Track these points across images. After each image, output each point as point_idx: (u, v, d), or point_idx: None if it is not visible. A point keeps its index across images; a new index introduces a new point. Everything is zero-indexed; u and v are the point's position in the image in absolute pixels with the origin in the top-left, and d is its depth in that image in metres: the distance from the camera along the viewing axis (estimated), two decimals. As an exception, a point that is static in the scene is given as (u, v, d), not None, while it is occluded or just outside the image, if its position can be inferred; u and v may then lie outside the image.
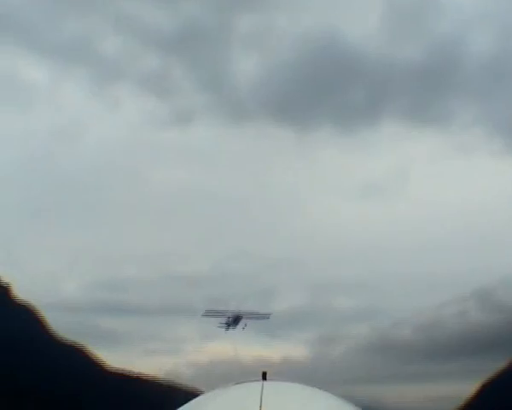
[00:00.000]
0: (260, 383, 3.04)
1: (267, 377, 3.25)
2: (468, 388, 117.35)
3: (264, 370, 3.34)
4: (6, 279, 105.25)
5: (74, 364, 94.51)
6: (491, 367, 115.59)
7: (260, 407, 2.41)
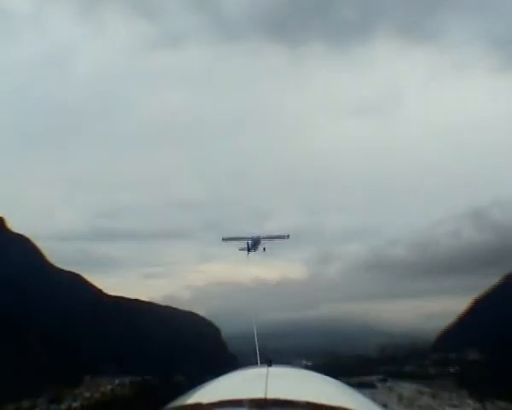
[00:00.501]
0: (266, 368, 3.15)
1: (272, 364, 3.32)
2: (461, 304, 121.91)
3: (270, 359, 3.42)
4: (0, 211, 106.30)
5: (72, 291, 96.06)
6: (484, 284, 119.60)
7: (265, 392, 2.49)
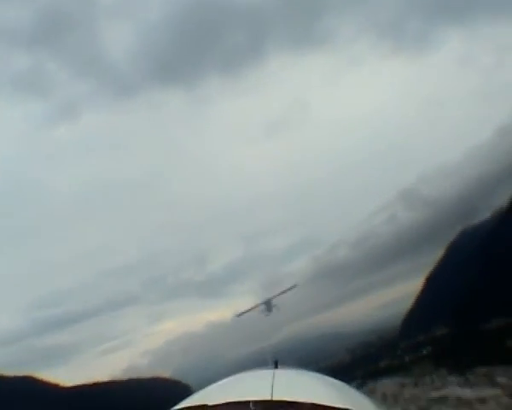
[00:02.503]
0: (272, 370, 3.20)
1: (278, 366, 3.45)
2: (415, 285, 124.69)
3: (276, 359, 3.59)
4: None
5: (28, 393, 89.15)
6: (431, 260, 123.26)
7: (272, 394, 2.47)
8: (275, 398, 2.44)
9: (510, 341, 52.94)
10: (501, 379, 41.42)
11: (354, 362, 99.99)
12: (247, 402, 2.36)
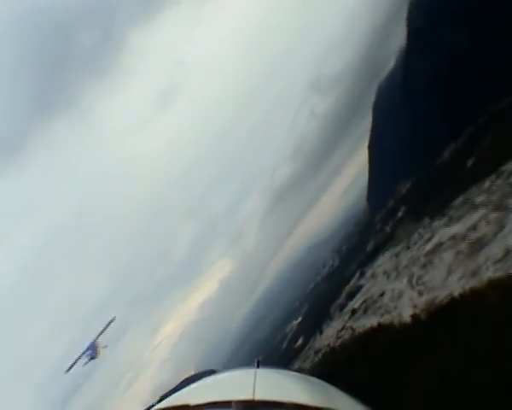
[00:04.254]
0: (254, 370, 3.14)
1: (260, 365, 3.33)
2: (362, 161, 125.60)
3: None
4: None
5: None
6: (363, 130, 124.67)
7: (254, 393, 2.48)
8: (256, 398, 2.40)
9: (468, 161, 53.41)
10: (480, 199, 41.36)
11: (345, 258, 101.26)
12: (229, 402, 2.31)
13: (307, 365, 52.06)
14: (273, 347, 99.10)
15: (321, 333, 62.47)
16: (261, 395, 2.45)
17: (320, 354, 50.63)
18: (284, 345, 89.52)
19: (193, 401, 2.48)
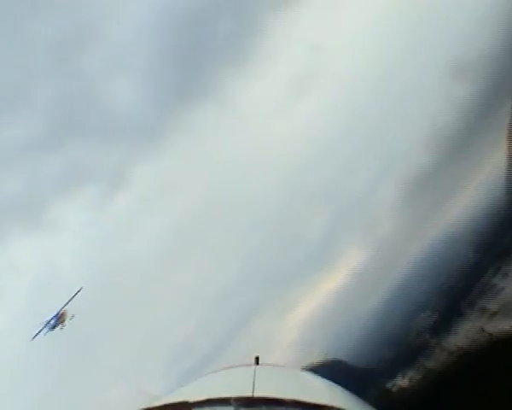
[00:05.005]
0: (253, 367, 3.32)
1: (259, 362, 3.48)
2: (500, 158, 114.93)
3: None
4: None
5: None
6: (501, 122, 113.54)
7: (253, 390, 2.51)
8: (256, 395, 2.41)
9: None
10: None
11: (480, 252, 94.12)
12: (228, 399, 2.31)
13: (433, 363, 49.99)
14: (400, 340, 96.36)
15: (450, 332, 59.47)
16: (261, 391, 2.47)
17: (450, 354, 48.34)
18: (410, 339, 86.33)
19: (192, 399, 2.49)
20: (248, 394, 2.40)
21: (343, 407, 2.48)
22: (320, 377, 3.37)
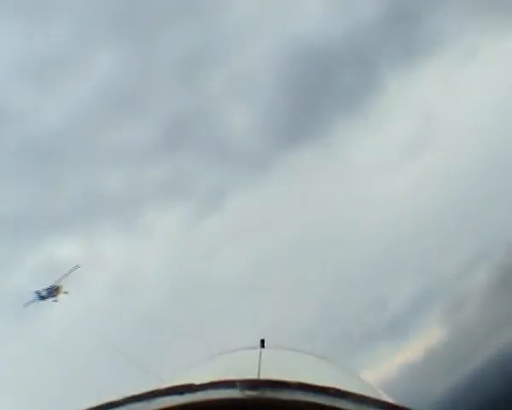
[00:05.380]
0: (258, 349, 3.23)
1: (265, 345, 3.43)
2: None
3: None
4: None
5: None
6: None
7: (258, 374, 2.46)
8: (262, 377, 2.43)
9: None
10: None
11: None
12: (234, 382, 2.25)
13: None
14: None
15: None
16: (266, 374, 2.48)
17: None
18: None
19: (197, 381, 2.44)
20: (254, 376, 2.43)
21: (350, 389, 2.42)
22: (329, 360, 3.34)
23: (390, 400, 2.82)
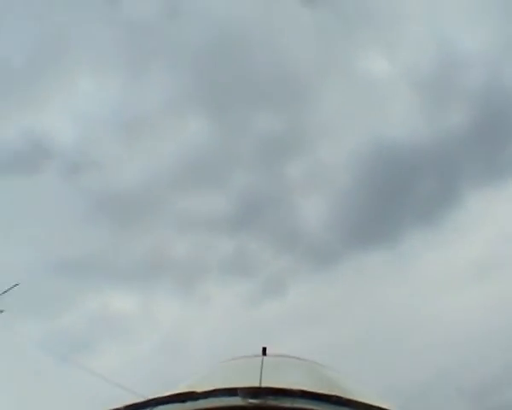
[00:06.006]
0: (260, 357, 3.20)
1: (267, 353, 3.41)
2: None
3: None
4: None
5: None
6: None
7: (260, 381, 2.46)
8: (263, 385, 2.43)
9: None
10: None
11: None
12: (235, 389, 2.35)
13: None
14: None
15: None
16: (268, 381, 2.49)
17: None
18: None
19: (199, 388, 2.52)
20: (256, 384, 2.43)
21: (353, 397, 2.49)
22: (331, 368, 3.38)
23: (391, 407, 2.87)
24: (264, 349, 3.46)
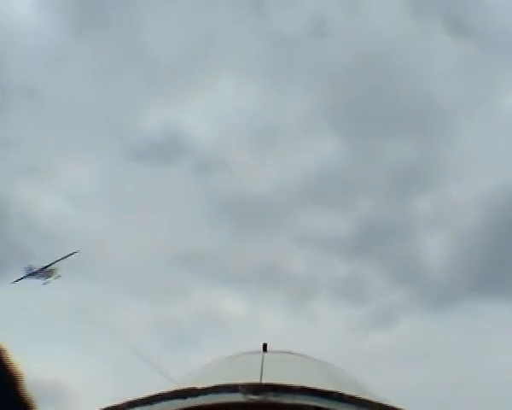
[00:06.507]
0: (261, 354, 3.29)
1: (267, 349, 3.43)
2: None
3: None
4: None
5: None
6: None
7: (261, 377, 2.47)
8: (264, 381, 2.43)
9: None
10: None
11: None
12: (236, 386, 2.35)
13: None
14: None
15: None
16: (269, 378, 2.46)
17: None
18: None
19: (201, 384, 2.48)
20: (256, 380, 2.41)
21: (352, 393, 2.45)
22: (330, 364, 3.30)
23: (391, 403, 2.86)
24: (265, 346, 3.44)
